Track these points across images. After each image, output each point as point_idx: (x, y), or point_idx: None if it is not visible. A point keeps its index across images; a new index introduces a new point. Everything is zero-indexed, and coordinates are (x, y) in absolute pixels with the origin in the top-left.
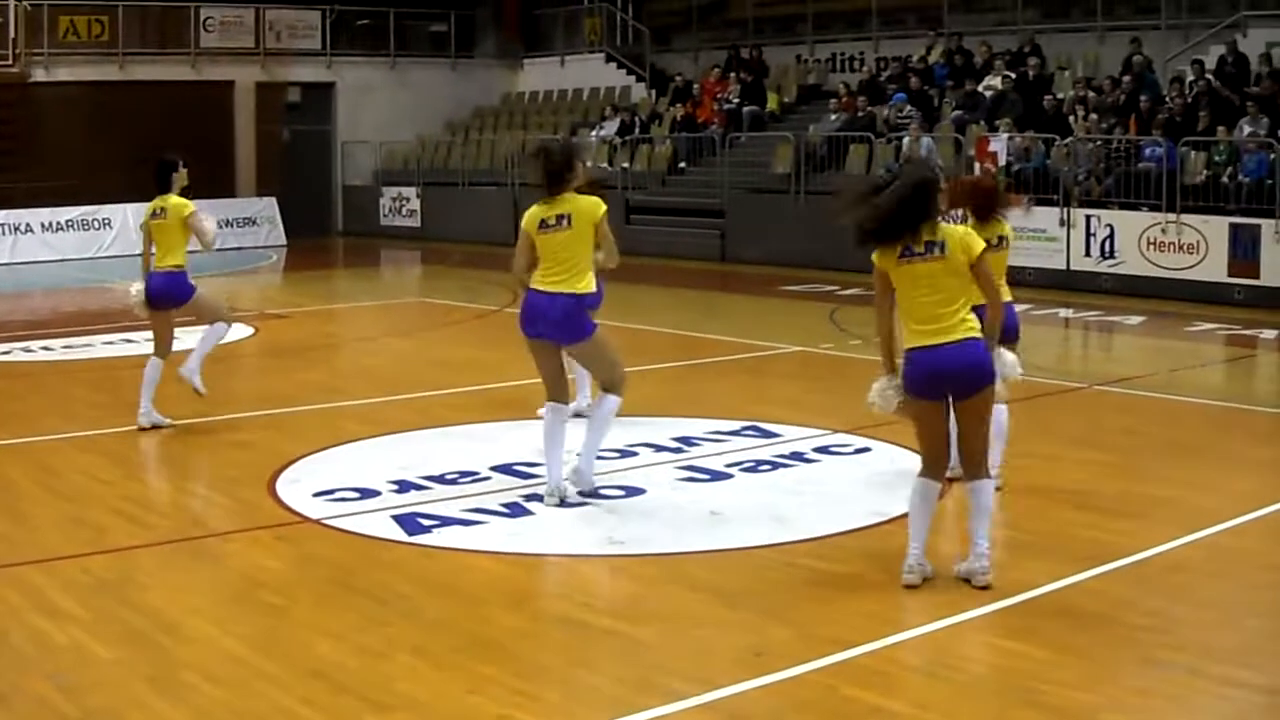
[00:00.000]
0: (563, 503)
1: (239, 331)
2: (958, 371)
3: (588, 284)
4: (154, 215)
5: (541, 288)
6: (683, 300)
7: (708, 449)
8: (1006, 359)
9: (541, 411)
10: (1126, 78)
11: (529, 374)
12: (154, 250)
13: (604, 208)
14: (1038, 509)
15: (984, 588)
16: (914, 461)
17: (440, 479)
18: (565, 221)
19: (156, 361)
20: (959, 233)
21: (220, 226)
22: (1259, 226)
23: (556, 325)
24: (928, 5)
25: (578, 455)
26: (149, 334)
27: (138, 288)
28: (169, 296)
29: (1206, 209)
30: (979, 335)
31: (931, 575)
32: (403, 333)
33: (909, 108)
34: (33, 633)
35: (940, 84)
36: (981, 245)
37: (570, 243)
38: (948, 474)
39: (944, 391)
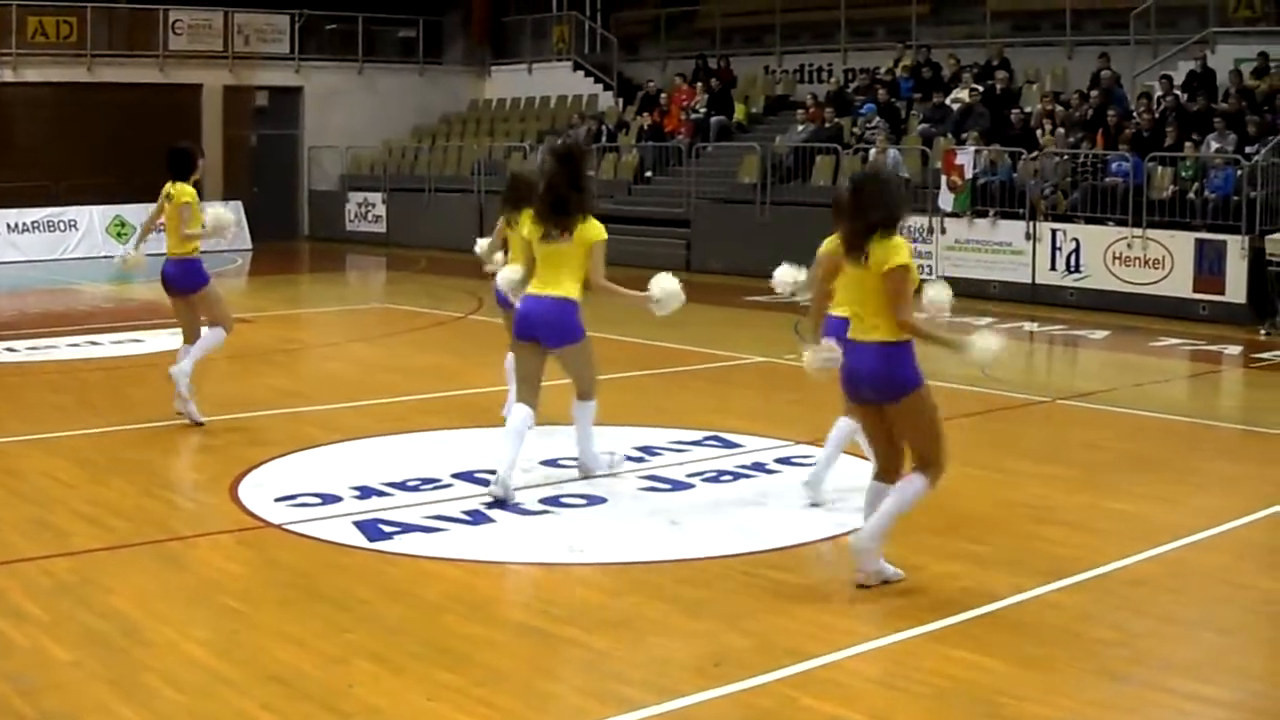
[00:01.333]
0: (502, 503)
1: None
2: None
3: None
4: (167, 199)
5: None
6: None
7: (669, 458)
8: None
9: (505, 411)
10: (1094, 92)
11: (492, 381)
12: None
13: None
14: (999, 522)
15: (863, 586)
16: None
17: (402, 485)
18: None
19: (186, 349)
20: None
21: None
22: (1225, 242)
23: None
24: (896, 18)
25: (515, 471)
26: (114, 336)
27: (126, 250)
28: (178, 284)
29: (1173, 224)
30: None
31: (893, 579)
32: (367, 338)
33: (876, 119)
34: None
35: (907, 96)
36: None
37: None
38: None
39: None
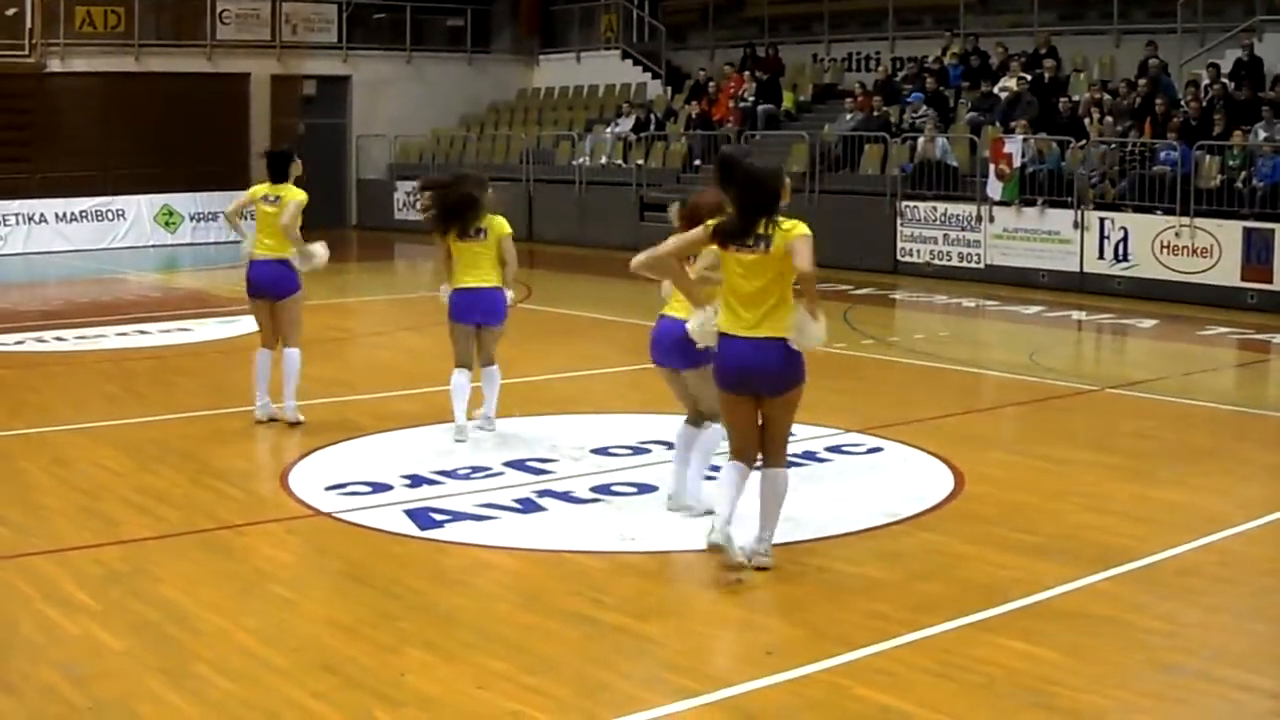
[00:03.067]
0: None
1: (251, 324)
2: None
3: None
4: (265, 200)
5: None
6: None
7: (721, 447)
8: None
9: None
10: (1142, 81)
11: (541, 369)
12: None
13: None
14: (1049, 511)
15: (762, 568)
16: (927, 462)
17: (453, 474)
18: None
19: (264, 353)
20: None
21: (245, 217)
22: (1273, 231)
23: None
24: (944, 6)
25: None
26: (162, 325)
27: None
28: (271, 287)
29: (1220, 213)
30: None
31: (739, 557)
32: (416, 327)
33: (924, 108)
34: (43, 622)
35: (955, 85)
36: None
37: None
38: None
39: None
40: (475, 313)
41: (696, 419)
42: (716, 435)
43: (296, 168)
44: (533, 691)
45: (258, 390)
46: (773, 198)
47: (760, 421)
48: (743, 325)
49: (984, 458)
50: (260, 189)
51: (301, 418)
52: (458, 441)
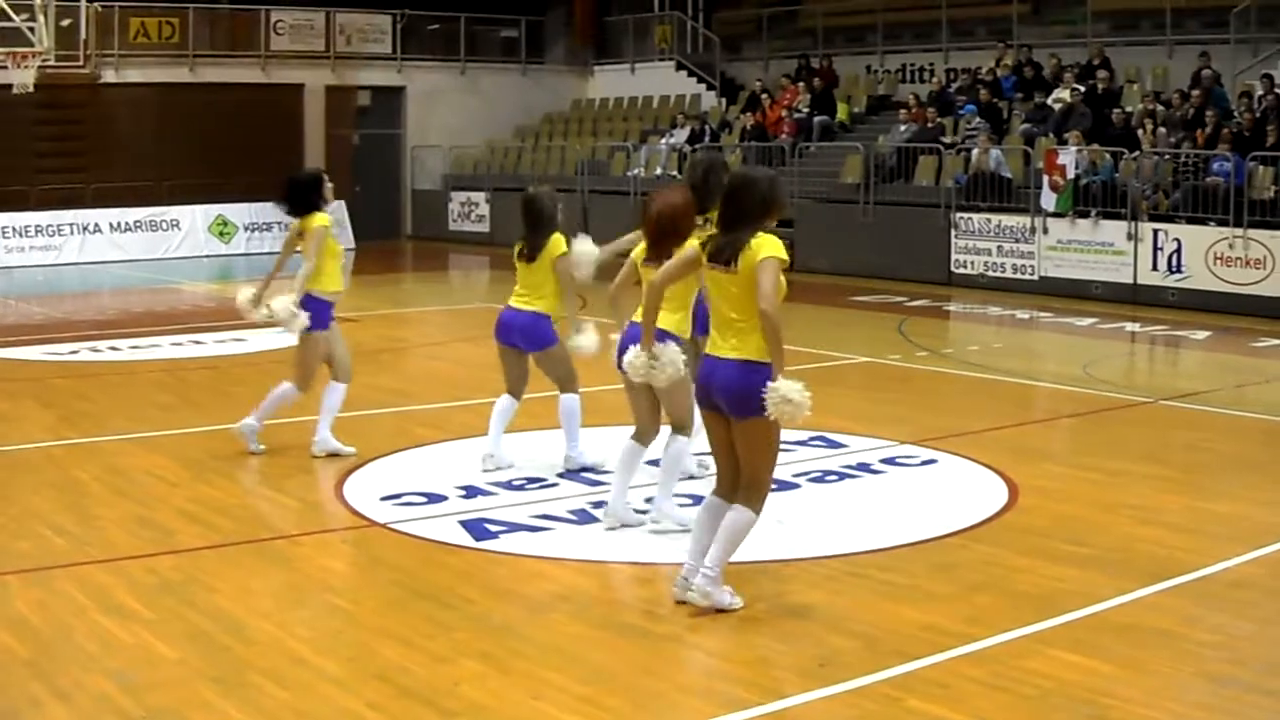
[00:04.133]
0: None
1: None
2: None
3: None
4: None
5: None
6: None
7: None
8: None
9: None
10: (1195, 92)
11: (597, 381)
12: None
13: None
14: (1102, 524)
15: (692, 606)
16: (981, 474)
17: (508, 485)
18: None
19: (335, 387)
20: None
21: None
22: None
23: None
24: (997, 17)
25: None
26: (217, 335)
27: (248, 293)
28: (316, 321)
29: (1274, 224)
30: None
31: (732, 608)
32: (471, 338)
33: (977, 120)
34: (97, 631)
35: (1009, 96)
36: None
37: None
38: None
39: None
40: (513, 335)
41: (643, 435)
42: (683, 448)
43: (328, 192)
44: (586, 702)
45: (321, 424)
46: (753, 207)
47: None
48: (714, 346)
49: (1037, 469)
50: (294, 228)
51: (320, 452)
52: (484, 470)
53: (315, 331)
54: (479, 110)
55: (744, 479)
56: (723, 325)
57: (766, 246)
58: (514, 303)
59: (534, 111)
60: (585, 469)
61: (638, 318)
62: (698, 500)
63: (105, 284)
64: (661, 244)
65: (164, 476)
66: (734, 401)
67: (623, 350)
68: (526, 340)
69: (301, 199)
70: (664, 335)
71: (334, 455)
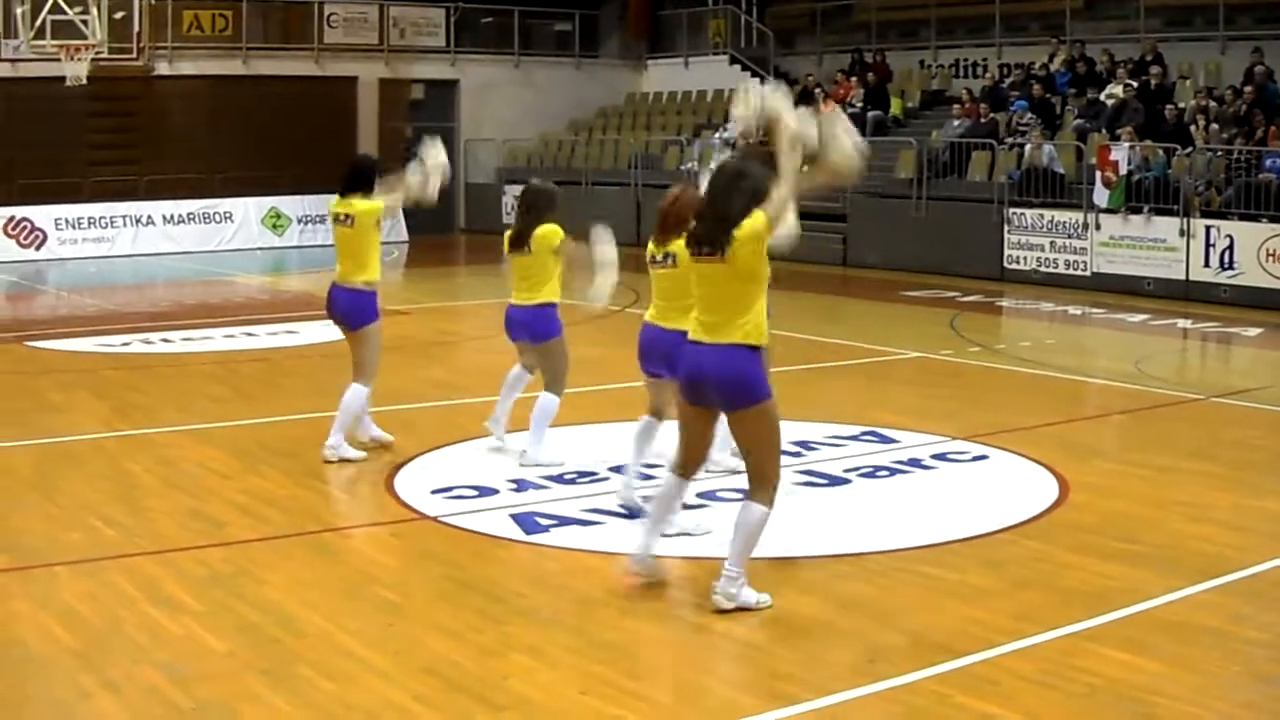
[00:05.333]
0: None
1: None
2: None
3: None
4: (339, 220)
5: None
6: (803, 304)
7: (826, 453)
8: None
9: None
10: (1248, 88)
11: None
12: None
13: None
14: (1152, 520)
15: (718, 610)
16: (1031, 470)
17: (559, 479)
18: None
19: (355, 389)
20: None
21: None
22: None
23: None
24: (1050, 12)
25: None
26: (269, 328)
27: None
28: (345, 316)
29: None
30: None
31: (760, 606)
32: None
33: (1029, 115)
34: (147, 622)
35: (1062, 91)
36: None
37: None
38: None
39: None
40: (520, 331)
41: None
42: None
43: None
44: (634, 696)
45: (335, 426)
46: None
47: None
48: (699, 333)
49: (1088, 466)
50: (334, 205)
51: (333, 457)
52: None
53: (374, 323)
54: (533, 104)
55: (751, 473)
56: (710, 312)
57: (755, 220)
58: (516, 299)
59: (588, 105)
60: (540, 466)
61: (648, 316)
62: (710, 497)
63: (158, 276)
64: (669, 234)
65: (215, 468)
66: (730, 390)
67: (643, 354)
68: (532, 335)
69: (363, 179)
70: (678, 337)
71: (345, 461)
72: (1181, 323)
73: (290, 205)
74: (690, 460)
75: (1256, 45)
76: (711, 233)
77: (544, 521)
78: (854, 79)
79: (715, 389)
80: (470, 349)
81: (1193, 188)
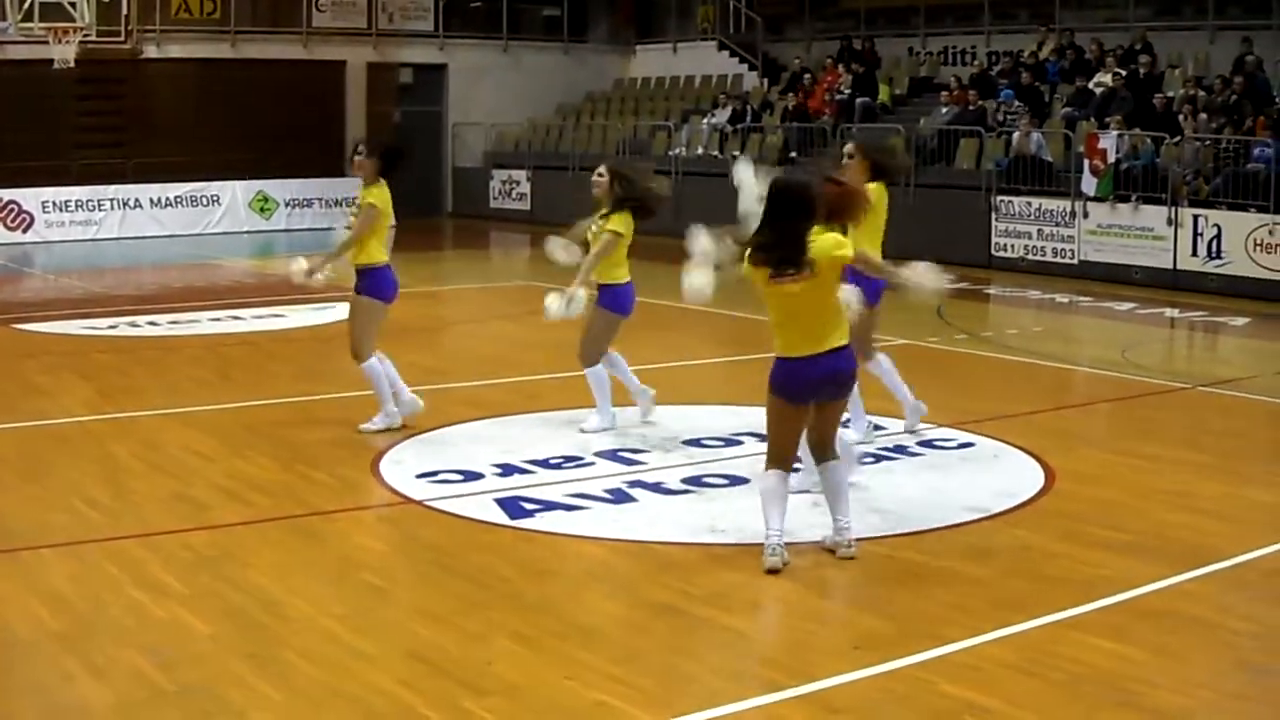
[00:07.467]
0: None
1: (343, 311)
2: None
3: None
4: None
5: None
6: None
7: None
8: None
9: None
10: (1237, 78)
11: (634, 360)
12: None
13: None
14: (1138, 509)
15: (849, 558)
16: (1018, 458)
17: (544, 463)
18: None
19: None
20: None
21: (339, 205)
22: None
23: None
24: (1039, 0)
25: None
26: (255, 311)
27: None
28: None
29: None
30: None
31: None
32: (510, 315)
33: (1017, 103)
34: (132, 606)
35: (1051, 80)
36: None
37: None
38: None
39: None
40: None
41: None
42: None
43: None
44: (618, 682)
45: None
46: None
47: (814, 424)
48: (806, 346)
49: (1075, 454)
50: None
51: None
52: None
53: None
54: (521, 88)
55: (834, 439)
56: (812, 327)
57: (833, 246)
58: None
59: (576, 90)
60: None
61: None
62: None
63: (145, 259)
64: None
65: (200, 452)
66: (847, 384)
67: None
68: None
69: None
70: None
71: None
72: (1169, 312)
73: (278, 189)
74: (793, 454)
75: (1245, 35)
76: (790, 253)
77: (529, 506)
78: (842, 66)
79: (838, 385)
80: (456, 333)
81: (1181, 177)
